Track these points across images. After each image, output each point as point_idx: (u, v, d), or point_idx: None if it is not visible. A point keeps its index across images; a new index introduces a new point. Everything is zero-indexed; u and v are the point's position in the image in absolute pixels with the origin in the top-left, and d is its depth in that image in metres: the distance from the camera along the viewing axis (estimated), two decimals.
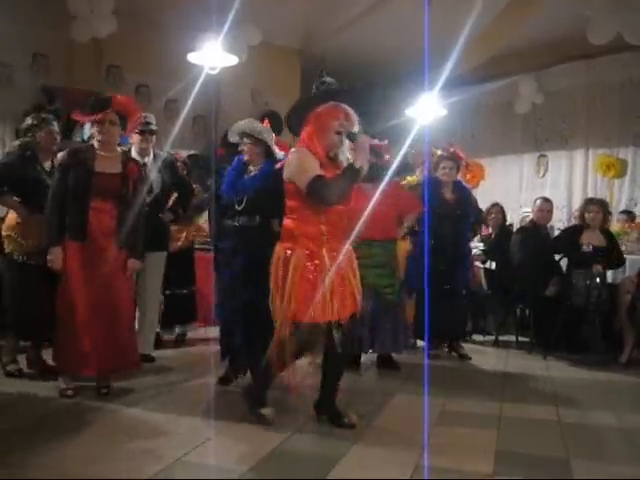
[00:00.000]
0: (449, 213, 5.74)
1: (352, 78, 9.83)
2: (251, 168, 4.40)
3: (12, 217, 4.66)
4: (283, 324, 3.52)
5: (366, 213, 4.77)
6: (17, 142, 4.81)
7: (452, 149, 5.94)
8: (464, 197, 5.98)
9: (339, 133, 3.55)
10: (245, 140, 4.40)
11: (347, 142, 3.57)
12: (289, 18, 8.55)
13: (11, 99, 7.15)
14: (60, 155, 4.26)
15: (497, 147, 9.98)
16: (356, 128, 3.60)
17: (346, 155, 3.59)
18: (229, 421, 3.69)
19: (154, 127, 5.08)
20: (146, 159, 5.04)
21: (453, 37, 7.07)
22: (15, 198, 4.62)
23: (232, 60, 6.86)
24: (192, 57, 6.70)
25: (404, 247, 5.78)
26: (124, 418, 3.76)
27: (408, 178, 6.30)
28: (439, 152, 6.04)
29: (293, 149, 3.71)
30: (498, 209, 7.34)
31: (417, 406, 4.09)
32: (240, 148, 4.48)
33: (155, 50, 7.79)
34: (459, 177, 6.13)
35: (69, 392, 4.11)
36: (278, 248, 3.59)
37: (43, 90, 7.39)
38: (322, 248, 3.54)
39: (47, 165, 4.66)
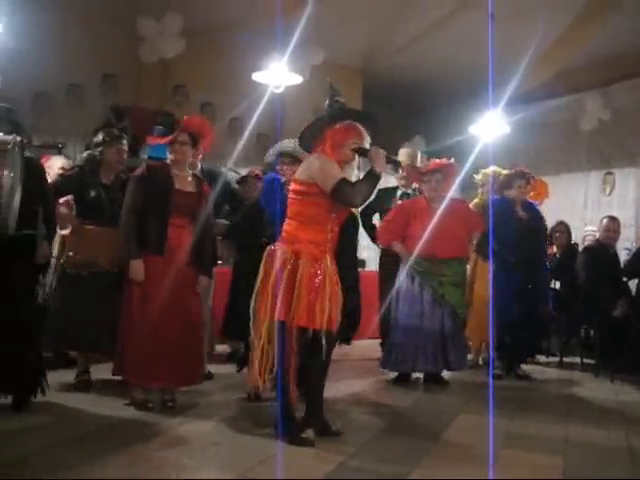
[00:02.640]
0: (525, 231, 5.70)
1: (414, 95, 9.93)
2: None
3: (68, 228, 4.83)
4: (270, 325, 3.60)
5: (432, 231, 4.89)
6: (85, 154, 4.96)
7: (519, 168, 5.90)
8: (536, 215, 5.94)
9: (353, 149, 3.73)
10: (284, 160, 4.47)
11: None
12: (351, 37, 8.61)
13: (82, 118, 7.38)
14: (137, 170, 4.34)
15: (562, 165, 9.80)
16: (367, 144, 3.78)
17: (353, 169, 3.93)
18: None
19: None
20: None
21: (517, 54, 7.02)
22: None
23: (296, 79, 6.96)
24: (257, 76, 6.82)
25: (483, 266, 5.80)
26: (188, 432, 3.81)
27: (475, 200, 6.28)
28: (504, 172, 6.01)
29: (313, 155, 3.82)
30: (563, 228, 7.21)
31: (481, 426, 4.04)
32: (278, 167, 4.55)
33: (220, 69, 7.95)
34: None
35: (149, 404, 4.18)
36: (283, 249, 3.63)
37: (112, 109, 7.61)
38: (326, 254, 3.65)
39: (109, 180, 4.80)
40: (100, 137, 4.83)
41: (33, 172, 4.16)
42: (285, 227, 3.73)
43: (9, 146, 3.87)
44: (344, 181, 3.59)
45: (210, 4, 7.09)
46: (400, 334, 5.23)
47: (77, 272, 4.64)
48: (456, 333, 5.22)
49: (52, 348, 4.94)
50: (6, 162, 3.87)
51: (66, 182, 4.78)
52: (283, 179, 4.49)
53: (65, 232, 4.94)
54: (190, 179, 4.36)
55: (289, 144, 4.52)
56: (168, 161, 4.32)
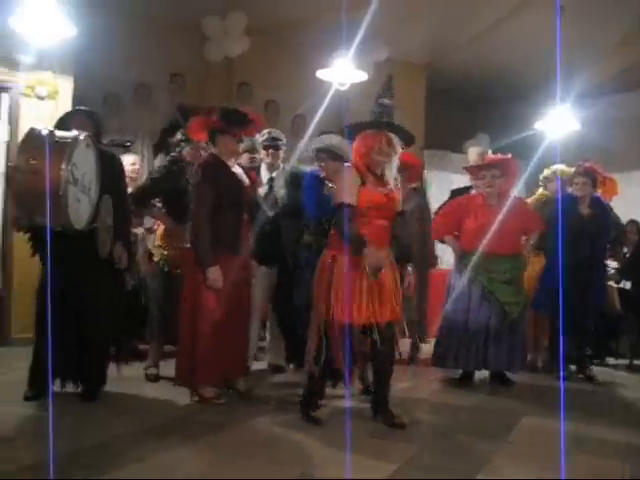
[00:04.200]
0: (585, 229, 5.53)
1: (478, 92, 9.79)
2: (330, 185, 4.42)
3: (161, 228, 4.94)
4: (323, 325, 3.83)
5: (486, 227, 4.84)
6: (169, 157, 5.06)
7: (587, 164, 5.73)
8: (601, 213, 5.74)
9: (380, 155, 3.86)
10: (321, 155, 4.48)
11: (395, 162, 3.93)
12: (415, 34, 8.54)
13: (150, 117, 7.53)
14: (195, 169, 4.35)
15: (634, 161, 9.52)
16: (395, 152, 3.91)
17: (393, 173, 3.95)
18: (359, 435, 3.65)
19: (281, 143, 5.21)
20: (274, 174, 5.18)
21: (585, 48, 6.85)
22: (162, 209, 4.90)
23: (361, 76, 6.95)
24: (321, 74, 6.84)
25: (537, 264, 5.67)
26: (251, 428, 3.86)
27: (540, 190, 6.15)
28: (570, 169, 5.88)
29: (346, 166, 3.99)
30: (634, 227, 7.00)
31: (546, 428, 3.97)
32: (317, 163, 4.56)
33: (284, 67, 8.01)
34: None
35: (221, 400, 4.28)
36: (323, 254, 3.90)
37: (179, 108, 7.73)
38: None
39: (191, 177, 4.88)
40: (178, 136, 4.93)
41: (109, 169, 4.26)
42: (331, 232, 3.93)
43: (70, 141, 3.97)
44: (340, 206, 3.78)
45: (274, 2, 7.14)
46: (446, 330, 5.19)
47: (170, 269, 4.79)
48: (504, 332, 5.07)
49: (129, 342, 5.10)
50: (69, 157, 3.97)
51: (154, 183, 4.90)
52: (322, 174, 4.51)
53: (156, 231, 5.06)
54: (239, 170, 4.42)
55: (332, 139, 4.52)
56: (219, 154, 4.33)
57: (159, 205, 4.99)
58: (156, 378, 4.86)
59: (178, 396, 4.34)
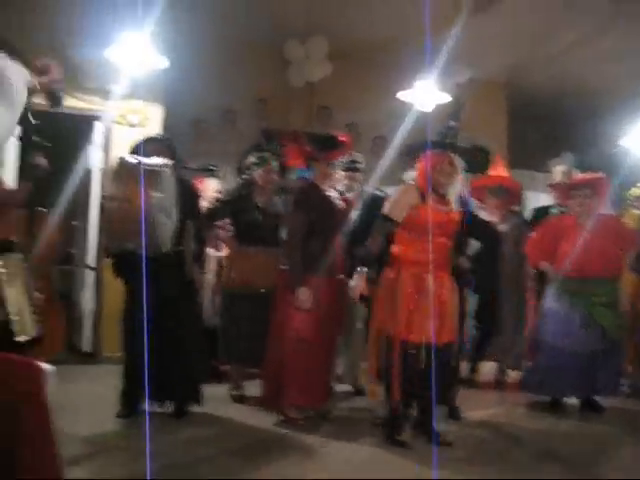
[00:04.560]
0: None
1: (560, 109, 9.60)
2: None
3: (226, 249, 5.06)
4: (384, 342, 3.95)
5: (582, 248, 4.73)
6: (236, 177, 5.20)
7: None
8: None
9: (442, 175, 3.99)
10: None
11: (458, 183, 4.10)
12: (495, 53, 8.46)
13: (234, 141, 7.71)
14: (296, 192, 4.50)
15: None
16: (457, 173, 4.06)
17: (455, 192, 4.08)
18: (447, 460, 3.63)
19: (360, 165, 5.26)
20: (350, 195, 5.23)
21: None
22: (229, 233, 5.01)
23: (443, 98, 6.94)
24: (402, 95, 6.87)
25: (634, 284, 5.52)
26: (334, 448, 3.88)
27: (633, 211, 5.97)
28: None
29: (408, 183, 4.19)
30: None
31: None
32: None
33: (364, 89, 8.05)
34: None
35: (300, 422, 4.33)
36: (385, 272, 3.98)
37: (263, 132, 7.92)
38: (426, 274, 3.87)
39: (263, 202, 4.98)
40: (251, 159, 5.05)
41: (187, 193, 4.43)
42: (391, 250, 4.04)
43: (158, 169, 4.15)
44: (383, 216, 3.99)
45: (355, 26, 7.21)
46: (545, 356, 5.05)
47: (236, 292, 4.87)
48: (606, 356, 4.93)
49: (209, 362, 5.21)
50: (156, 184, 4.15)
51: (223, 205, 5.03)
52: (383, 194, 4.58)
53: (223, 254, 5.19)
54: (335, 194, 4.50)
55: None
56: (316, 179, 4.44)
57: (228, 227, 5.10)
58: (241, 399, 4.94)
59: (263, 417, 4.40)
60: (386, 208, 4.01)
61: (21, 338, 2.94)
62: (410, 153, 4.20)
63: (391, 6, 6.60)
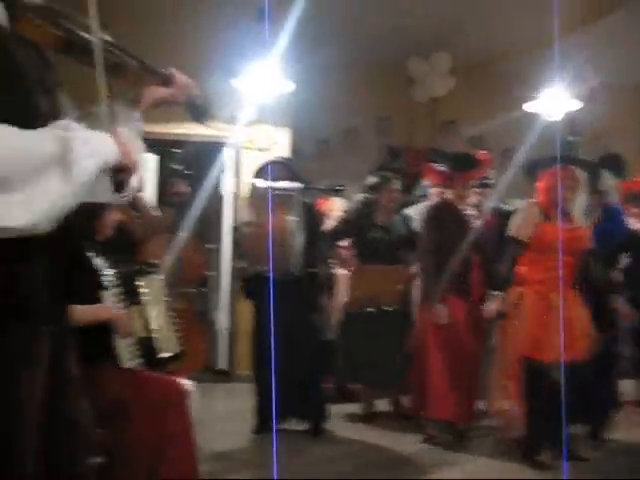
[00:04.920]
0: None
1: None
2: None
3: (349, 268, 5.08)
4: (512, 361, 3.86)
5: None
6: (359, 196, 5.23)
7: None
8: None
9: (567, 190, 3.89)
10: None
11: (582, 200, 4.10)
12: (627, 55, 8.08)
13: (357, 160, 7.77)
14: (429, 209, 4.50)
15: None
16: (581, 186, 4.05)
17: (580, 211, 4.10)
18: None
19: (490, 182, 5.17)
20: (476, 211, 5.13)
21: None
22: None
23: (574, 105, 6.71)
24: (529, 106, 6.70)
25: None
26: (474, 468, 3.80)
27: None
28: None
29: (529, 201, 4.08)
30: None
31: None
32: None
33: (489, 102, 7.91)
34: None
35: (437, 439, 4.30)
36: (511, 292, 3.84)
37: (387, 150, 7.95)
38: (551, 293, 3.78)
39: (385, 221, 4.99)
40: (372, 180, 5.08)
41: (312, 215, 4.51)
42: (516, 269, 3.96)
43: (288, 193, 4.27)
44: (509, 238, 3.96)
45: (479, 39, 7.12)
46: None
47: (360, 310, 4.89)
48: None
49: (338, 381, 5.25)
50: (287, 207, 4.28)
51: (345, 225, 5.08)
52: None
53: (346, 272, 5.24)
54: (472, 212, 4.44)
55: None
56: (447, 197, 4.41)
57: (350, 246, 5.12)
58: (372, 417, 4.94)
59: (395, 435, 4.38)
60: (512, 229, 3.91)
61: (164, 355, 3.09)
62: (534, 168, 4.06)
63: (511, 16, 6.46)
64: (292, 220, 4.39)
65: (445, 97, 7.81)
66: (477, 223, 4.45)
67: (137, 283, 3.05)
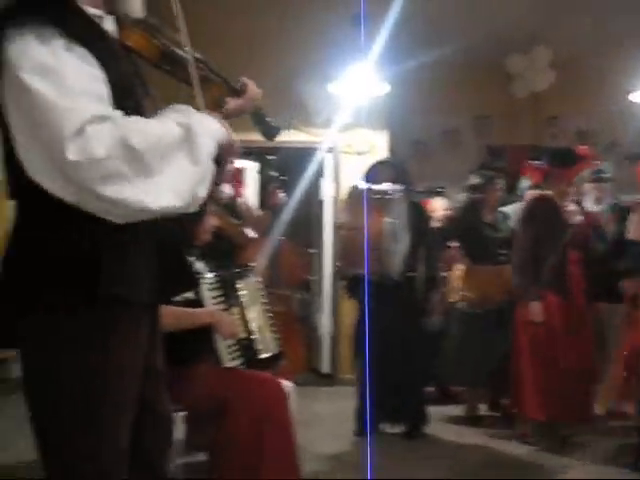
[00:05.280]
0: None
1: None
2: None
3: (458, 268, 5.00)
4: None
5: None
6: (462, 197, 5.17)
7: None
8: None
9: None
10: None
11: None
12: None
13: (456, 161, 7.67)
14: (526, 205, 4.41)
15: None
16: None
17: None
18: None
19: (606, 176, 5.00)
20: (599, 207, 4.96)
21: None
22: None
23: None
24: (635, 96, 6.43)
25: None
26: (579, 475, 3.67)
27: None
28: None
29: None
30: None
31: None
32: None
33: (592, 95, 7.63)
34: None
35: (530, 439, 4.20)
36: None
37: (488, 149, 7.81)
38: None
39: (490, 219, 4.90)
40: (475, 180, 5.01)
41: (418, 217, 4.48)
42: None
43: (387, 195, 4.25)
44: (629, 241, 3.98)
45: (578, 32, 6.88)
46: None
47: (471, 310, 4.83)
48: None
49: (441, 383, 5.20)
50: (386, 210, 4.26)
51: (452, 225, 5.05)
52: None
53: (455, 272, 5.17)
54: (573, 208, 4.29)
55: None
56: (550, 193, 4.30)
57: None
58: (475, 420, 4.86)
59: (499, 438, 4.30)
60: (631, 232, 3.72)
61: (263, 355, 3.16)
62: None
63: (610, 5, 6.21)
64: (390, 222, 4.37)
65: (546, 92, 7.58)
66: (578, 219, 4.29)
67: (236, 286, 3.14)
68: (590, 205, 4.92)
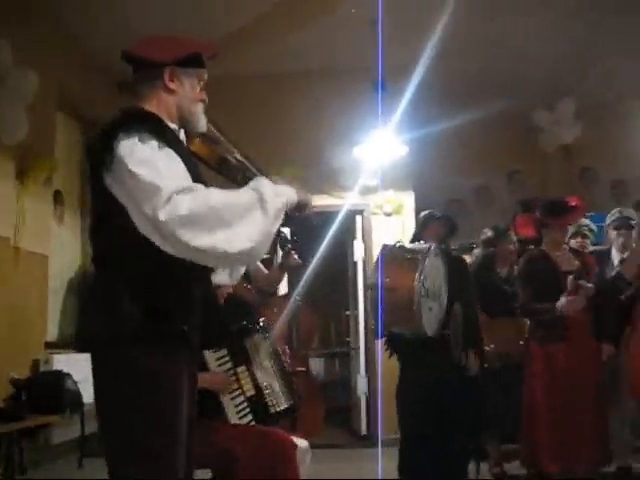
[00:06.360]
0: None
1: None
2: None
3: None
4: None
5: None
6: (477, 252, 5.18)
7: None
8: None
9: None
10: None
11: None
12: None
13: (492, 217, 7.67)
14: (522, 262, 4.44)
15: None
16: None
17: None
18: None
19: (633, 222, 4.96)
20: (625, 255, 4.91)
21: None
22: None
23: None
24: None
25: None
26: None
27: None
28: None
29: None
30: None
31: None
32: None
33: (625, 143, 7.59)
34: None
35: None
36: None
37: (521, 204, 7.77)
38: None
39: (504, 272, 4.93)
40: (489, 234, 5.04)
41: (456, 273, 4.45)
42: None
43: (419, 254, 4.26)
44: None
45: (601, 81, 6.93)
46: None
47: (491, 365, 4.78)
48: None
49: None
50: (419, 268, 4.26)
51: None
52: None
53: None
54: (567, 256, 4.30)
55: None
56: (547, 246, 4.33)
57: None
58: (501, 477, 4.75)
59: None
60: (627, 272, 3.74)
61: (275, 409, 3.22)
62: None
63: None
64: (428, 281, 4.36)
65: (576, 142, 7.61)
66: (574, 265, 4.27)
67: (243, 344, 3.23)
68: (615, 252, 4.88)
